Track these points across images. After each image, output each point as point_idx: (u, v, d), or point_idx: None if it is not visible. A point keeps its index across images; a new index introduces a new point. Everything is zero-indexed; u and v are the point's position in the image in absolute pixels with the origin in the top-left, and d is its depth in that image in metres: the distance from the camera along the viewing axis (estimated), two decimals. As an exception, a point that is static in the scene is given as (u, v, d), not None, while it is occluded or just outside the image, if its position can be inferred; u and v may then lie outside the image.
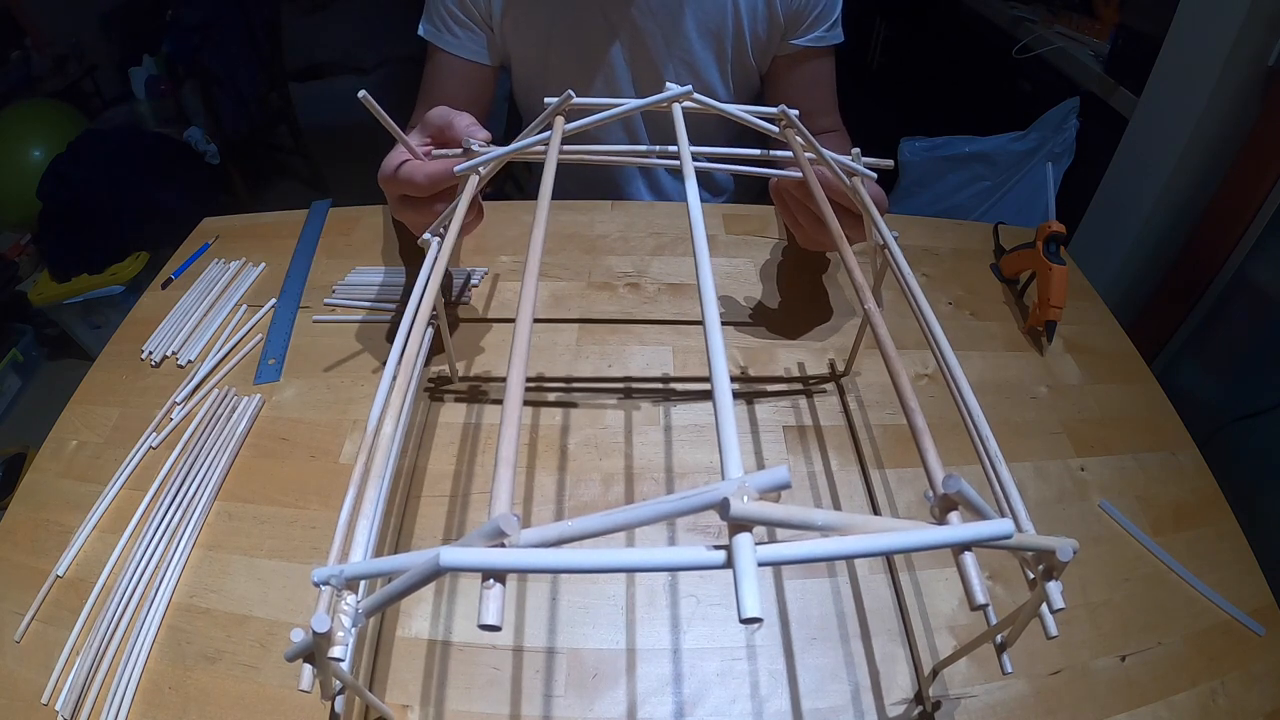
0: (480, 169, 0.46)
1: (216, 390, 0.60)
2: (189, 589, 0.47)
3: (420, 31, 0.80)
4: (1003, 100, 1.53)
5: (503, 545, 0.22)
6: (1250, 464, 1.00)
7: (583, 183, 0.90)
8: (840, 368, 0.63)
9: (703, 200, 0.39)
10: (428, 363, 0.61)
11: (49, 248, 1.73)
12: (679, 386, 0.61)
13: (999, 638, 0.34)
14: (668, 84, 0.44)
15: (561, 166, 0.41)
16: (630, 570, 0.22)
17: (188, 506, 0.52)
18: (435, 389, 0.60)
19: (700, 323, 0.29)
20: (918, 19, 1.84)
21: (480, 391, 0.60)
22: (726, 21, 0.79)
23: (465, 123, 0.50)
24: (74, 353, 1.83)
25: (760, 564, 0.21)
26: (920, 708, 0.43)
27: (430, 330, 0.46)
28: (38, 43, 2.09)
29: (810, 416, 0.59)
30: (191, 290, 0.70)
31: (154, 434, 0.57)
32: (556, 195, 0.41)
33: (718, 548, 0.21)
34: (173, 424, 0.58)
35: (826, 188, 0.48)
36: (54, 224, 1.71)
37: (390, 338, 0.64)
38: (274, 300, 0.69)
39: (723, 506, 0.21)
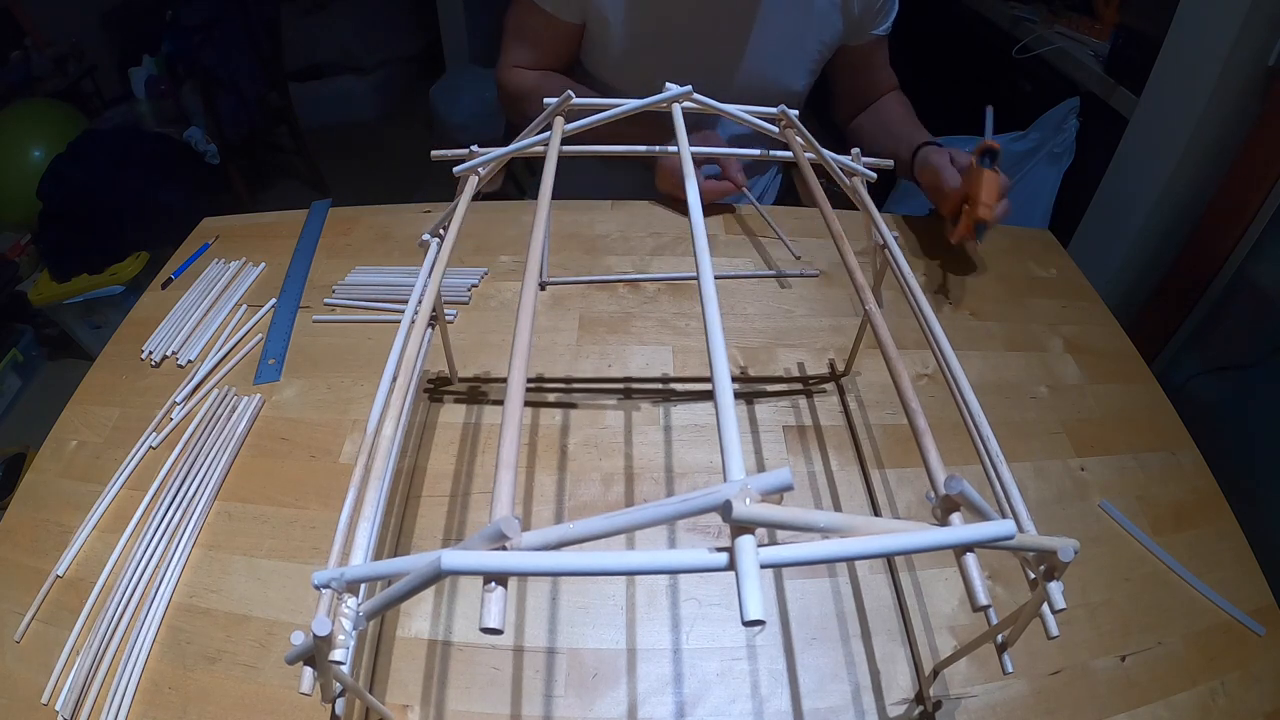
0: (480, 170, 0.46)
1: (216, 390, 0.60)
2: (189, 589, 0.47)
3: None
4: (1003, 100, 1.52)
5: (504, 548, 0.21)
6: (1250, 464, 1.00)
7: (598, 185, 0.90)
8: (840, 368, 0.63)
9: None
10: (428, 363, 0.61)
11: (49, 248, 1.72)
12: (679, 387, 0.61)
13: (999, 638, 0.34)
14: (667, 85, 0.44)
15: (573, 170, 0.41)
16: (632, 573, 0.22)
17: (188, 506, 0.51)
18: (435, 389, 0.60)
19: (700, 323, 0.29)
20: (917, 19, 1.83)
21: (480, 392, 0.60)
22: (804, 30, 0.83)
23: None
24: (74, 353, 1.83)
25: (763, 566, 0.20)
26: (920, 708, 0.43)
27: (430, 330, 0.46)
28: (38, 43, 2.09)
29: (810, 416, 0.59)
30: (191, 290, 0.70)
31: (154, 434, 0.57)
32: (569, 195, 0.41)
33: (719, 550, 0.21)
34: (173, 424, 0.58)
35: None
36: (54, 224, 1.70)
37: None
38: (274, 300, 0.69)
39: (725, 509, 0.21)
